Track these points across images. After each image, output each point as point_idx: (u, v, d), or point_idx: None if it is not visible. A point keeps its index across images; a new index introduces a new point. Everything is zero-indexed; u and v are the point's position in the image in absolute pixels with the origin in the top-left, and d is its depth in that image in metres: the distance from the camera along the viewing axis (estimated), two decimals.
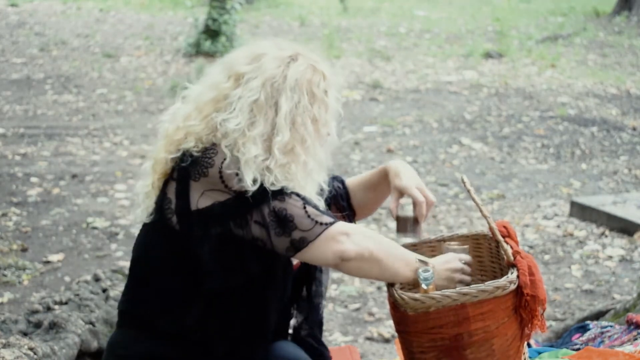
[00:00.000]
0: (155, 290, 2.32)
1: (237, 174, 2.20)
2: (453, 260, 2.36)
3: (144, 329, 2.34)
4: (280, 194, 2.21)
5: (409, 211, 2.44)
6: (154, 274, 2.33)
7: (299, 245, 2.21)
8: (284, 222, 2.20)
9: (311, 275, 2.52)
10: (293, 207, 2.20)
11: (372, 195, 2.61)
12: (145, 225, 2.37)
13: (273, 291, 2.34)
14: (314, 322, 2.55)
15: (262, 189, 2.20)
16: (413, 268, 2.28)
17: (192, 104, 2.33)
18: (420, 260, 2.30)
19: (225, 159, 2.21)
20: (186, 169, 2.24)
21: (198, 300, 2.28)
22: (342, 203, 2.59)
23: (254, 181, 2.19)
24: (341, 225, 2.24)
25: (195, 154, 2.24)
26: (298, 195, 2.23)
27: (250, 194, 2.19)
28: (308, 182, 2.28)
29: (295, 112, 2.26)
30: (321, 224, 2.21)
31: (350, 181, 2.64)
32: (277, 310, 2.39)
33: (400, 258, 2.29)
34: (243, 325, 2.32)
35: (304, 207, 2.21)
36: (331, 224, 2.22)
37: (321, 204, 2.33)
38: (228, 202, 2.21)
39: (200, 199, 2.23)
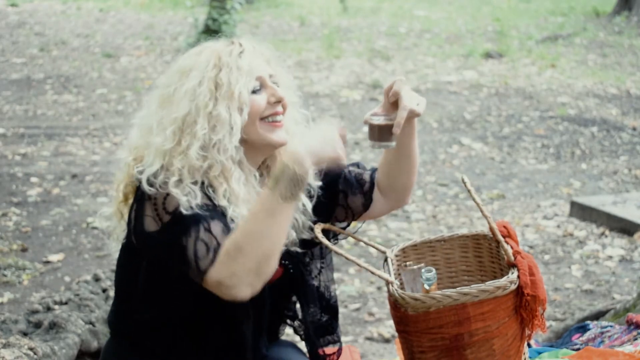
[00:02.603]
0: (135, 306, 2.29)
1: (164, 200, 2.14)
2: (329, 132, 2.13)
3: (132, 342, 2.32)
4: (193, 224, 2.10)
5: (382, 119, 2.23)
6: (131, 291, 2.30)
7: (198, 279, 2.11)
8: (184, 258, 2.10)
9: (298, 282, 2.41)
10: (191, 244, 2.09)
11: (399, 159, 2.38)
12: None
13: (243, 310, 2.22)
14: (311, 325, 2.45)
15: (180, 217, 2.11)
16: (271, 198, 2.04)
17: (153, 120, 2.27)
18: (270, 186, 2.05)
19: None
20: (142, 189, 2.18)
21: (170, 320, 2.25)
22: (347, 190, 2.44)
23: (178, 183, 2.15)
24: (210, 276, 2.06)
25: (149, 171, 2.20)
26: (199, 221, 2.10)
27: (172, 223, 2.12)
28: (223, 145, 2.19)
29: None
30: (200, 271, 2.07)
31: None
32: (254, 326, 2.29)
33: (260, 220, 2.04)
34: (216, 346, 2.26)
35: (195, 247, 2.08)
36: (205, 272, 2.07)
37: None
38: (160, 230, 2.15)
39: (148, 220, 2.17)
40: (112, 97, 9.99)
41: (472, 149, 8.15)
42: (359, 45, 13.46)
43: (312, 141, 2.08)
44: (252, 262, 2.03)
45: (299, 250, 2.38)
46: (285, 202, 2.04)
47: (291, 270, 2.38)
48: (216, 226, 2.10)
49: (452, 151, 8.08)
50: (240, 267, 2.03)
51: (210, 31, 12.15)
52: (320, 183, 2.41)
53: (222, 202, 2.18)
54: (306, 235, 2.39)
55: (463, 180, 2.30)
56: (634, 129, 8.84)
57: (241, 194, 2.20)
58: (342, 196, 2.45)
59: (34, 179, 7.04)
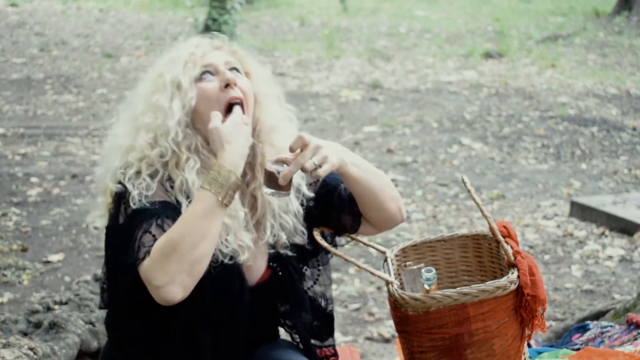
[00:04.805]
0: (126, 310, 2.25)
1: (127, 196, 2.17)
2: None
3: (124, 346, 2.30)
4: (147, 218, 2.11)
5: (273, 167, 2.16)
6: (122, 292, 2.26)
7: None
8: (129, 249, 2.10)
9: (287, 285, 2.36)
10: (139, 235, 2.11)
11: (360, 197, 2.35)
12: None
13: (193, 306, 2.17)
14: (303, 330, 2.44)
15: (136, 212, 2.13)
16: (212, 202, 2.07)
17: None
18: (204, 186, 2.08)
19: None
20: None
21: (163, 322, 2.19)
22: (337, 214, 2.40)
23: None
24: (142, 270, 2.07)
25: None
26: (154, 216, 2.11)
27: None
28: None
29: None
30: (136, 260, 2.07)
31: None
32: (233, 326, 2.27)
33: (199, 221, 2.06)
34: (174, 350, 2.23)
35: (141, 238, 2.09)
36: (137, 263, 2.07)
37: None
38: (122, 224, 2.19)
39: (114, 216, 2.19)
40: (112, 97, 9.98)
41: (472, 149, 8.15)
42: (359, 45, 13.46)
43: (238, 144, 2.12)
44: (186, 262, 2.03)
45: (289, 253, 2.35)
46: (225, 206, 2.08)
47: (279, 273, 2.34)
48: (169, 224, 2.11)
49: (452, 151, 8.08)
50: (174, 267, 2.02)
51: (210, 31, 12.15)
52: (312, 195, 2.38)
53: (178, 196, 2.19)
54: (298, 240, 2.36)
55: (463, 180, 2.29)
56: (634, 129, 8.84)
57: (196, 183, 2.19)
58: (334, 213, 2.39)
59: (34, 179, 7.04)
